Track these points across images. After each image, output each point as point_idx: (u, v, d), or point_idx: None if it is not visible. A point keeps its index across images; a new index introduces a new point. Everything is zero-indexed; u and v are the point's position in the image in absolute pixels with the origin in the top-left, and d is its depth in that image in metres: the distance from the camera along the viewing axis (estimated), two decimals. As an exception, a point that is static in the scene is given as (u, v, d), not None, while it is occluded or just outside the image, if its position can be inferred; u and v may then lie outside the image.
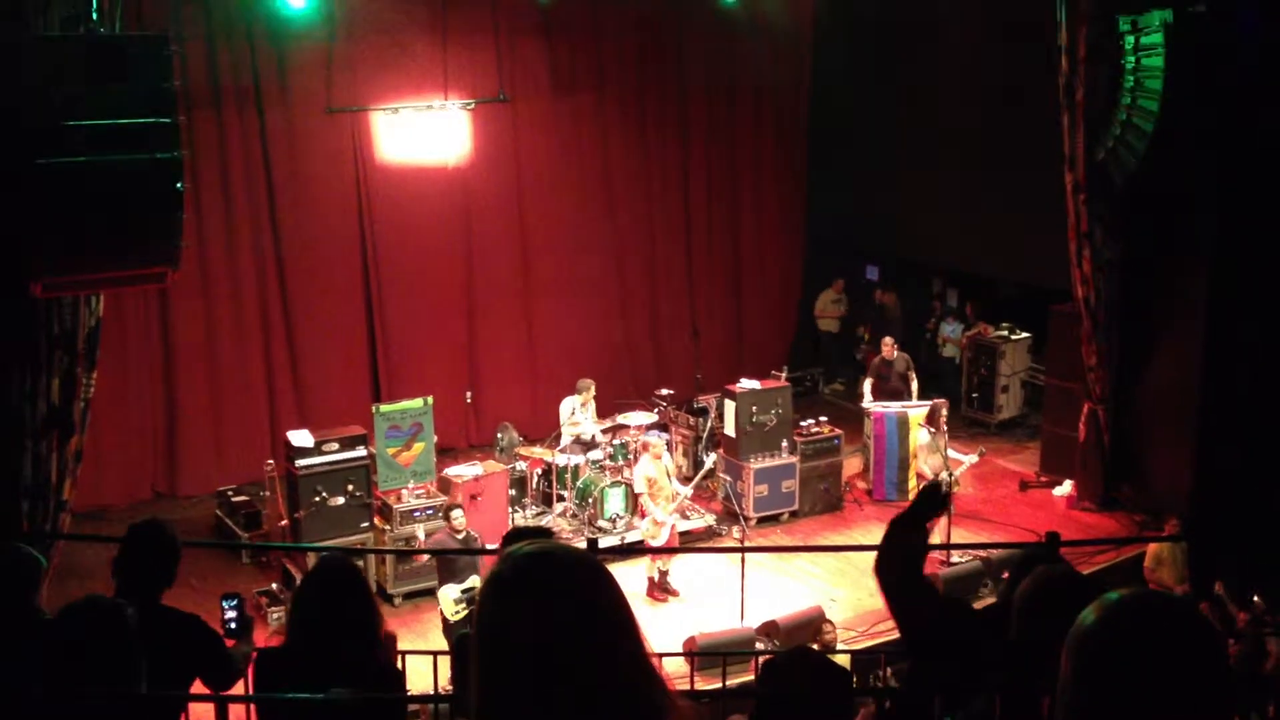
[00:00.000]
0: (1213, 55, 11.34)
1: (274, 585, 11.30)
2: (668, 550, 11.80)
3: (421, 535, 11.38)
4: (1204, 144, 11.64)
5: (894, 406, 13.96)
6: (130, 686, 3.61)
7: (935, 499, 3.83)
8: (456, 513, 10.53)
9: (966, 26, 14.91)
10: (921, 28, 15.63)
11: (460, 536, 10.32)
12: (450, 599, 10.01)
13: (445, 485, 12.27)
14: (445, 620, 10.09)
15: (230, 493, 12.91)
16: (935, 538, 10.67)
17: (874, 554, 3.66)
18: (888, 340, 14.68)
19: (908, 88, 16.09)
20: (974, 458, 12.94)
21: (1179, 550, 11.26)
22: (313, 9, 12.75)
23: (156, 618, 4.40)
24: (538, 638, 1.74)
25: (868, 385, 14.44)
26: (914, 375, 14.48)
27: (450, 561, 10.15)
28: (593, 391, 13.33)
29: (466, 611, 9.92)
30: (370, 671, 4.08)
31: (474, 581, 10.01)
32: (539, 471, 13.12)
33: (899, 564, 3.71)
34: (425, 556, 10.93)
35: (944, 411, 13.20)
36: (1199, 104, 11.51)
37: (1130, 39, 11.78)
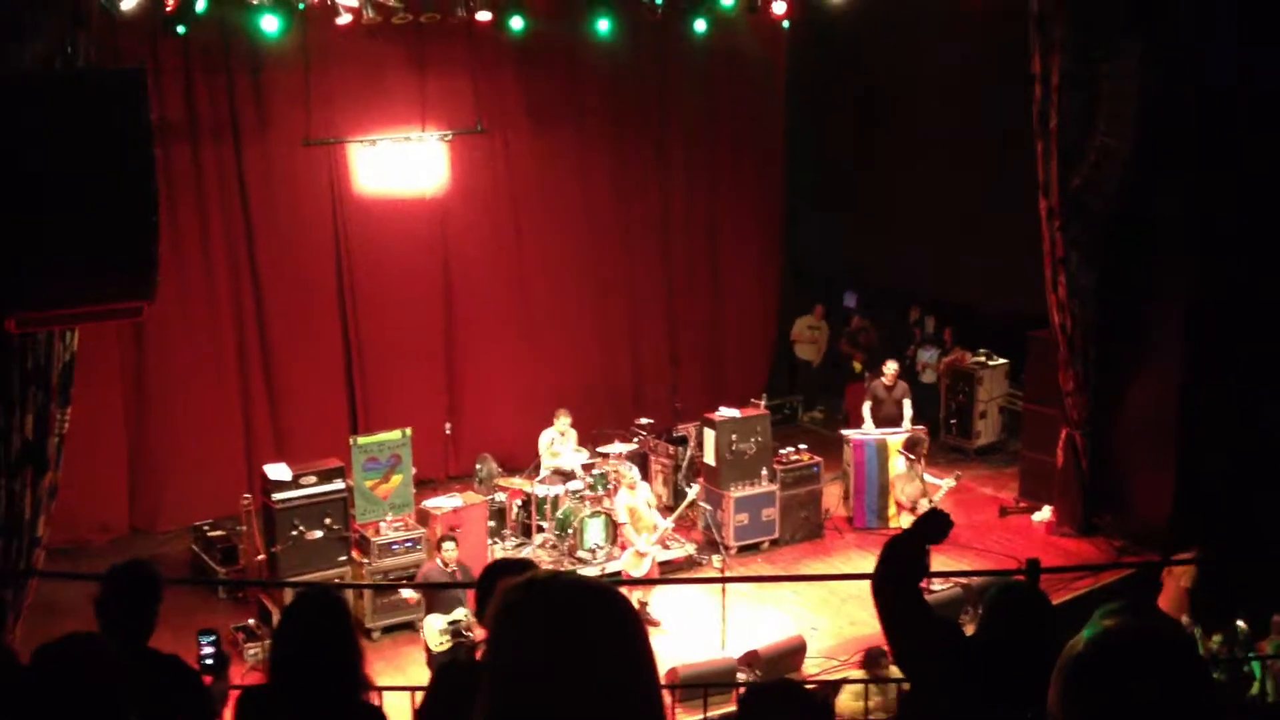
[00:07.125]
0: (1186, 81, 11.44)
1: (250, 621, 11.19)
2: (648, 581, 11.76)
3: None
4: (1179, 169, 11.72)
5: (874, 433, 13.96)
6: None
7: (938, 526, 3.78)
8: (448, 545, 10.40)
9: (941, 54, 15.01)
10: (897, 55, 15.73)
11: (449, 570, 10.21)
12: (435, 630, 9.95)
13: (424, 517, 12.21)
14: (429, 651, 10.01)
15: (206, 527, 12.76)
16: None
17: (855, 582, 3.64)
18: (890, 365, 14.53)
19: (883, 115, 16.18)
20: (951, 481, 12.94)
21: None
22: (284, 34, 12.40)
23: (139, 660, 4.34)
24: (551, 666, 1.72)
25: (867, 409, 14.29)
26: (909, 404, 14.37)
27: (436, 592, 10.09)
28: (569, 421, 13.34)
29: (452, 643, 9.86)
30: (354, 710, 3.97)
31: (460, 614, 9.95)
32: (518, 503, 13.07)
33: (897, 582, 3.67)
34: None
35: (923, 440, 13.20)
36: (1173, 130, 11.61)
37: (1104, 66, 11.88)
